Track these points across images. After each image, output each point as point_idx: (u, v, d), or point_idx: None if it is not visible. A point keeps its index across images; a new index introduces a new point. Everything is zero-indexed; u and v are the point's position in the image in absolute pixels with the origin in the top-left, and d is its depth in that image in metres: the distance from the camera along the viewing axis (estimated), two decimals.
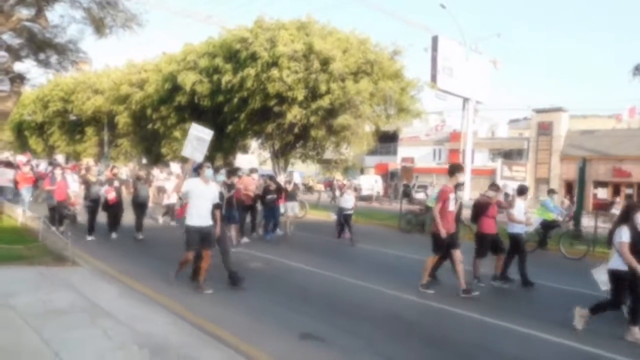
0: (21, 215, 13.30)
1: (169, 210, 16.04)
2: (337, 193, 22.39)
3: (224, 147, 27.21)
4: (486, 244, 9.12)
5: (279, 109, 22.04)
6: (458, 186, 8.32)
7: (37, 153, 48.25)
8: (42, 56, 15.63)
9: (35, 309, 5.97)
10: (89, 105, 36.01)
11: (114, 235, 12.36)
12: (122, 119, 32.79)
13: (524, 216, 9.48)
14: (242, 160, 18.28)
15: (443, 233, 7.96)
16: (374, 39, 23.39)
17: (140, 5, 14.16)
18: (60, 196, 12.67)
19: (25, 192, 16.31)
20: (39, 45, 15.18)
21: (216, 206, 8.04)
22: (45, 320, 5.59)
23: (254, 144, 30.48)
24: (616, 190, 33.83)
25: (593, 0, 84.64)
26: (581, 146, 36.30)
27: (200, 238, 7.54)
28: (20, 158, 23.86)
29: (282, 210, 14.59)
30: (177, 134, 27.20)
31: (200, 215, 7.53)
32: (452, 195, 8.09)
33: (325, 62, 21.27)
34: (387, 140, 40.01)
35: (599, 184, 35.24)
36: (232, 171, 12.01)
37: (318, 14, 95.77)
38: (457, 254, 8.18)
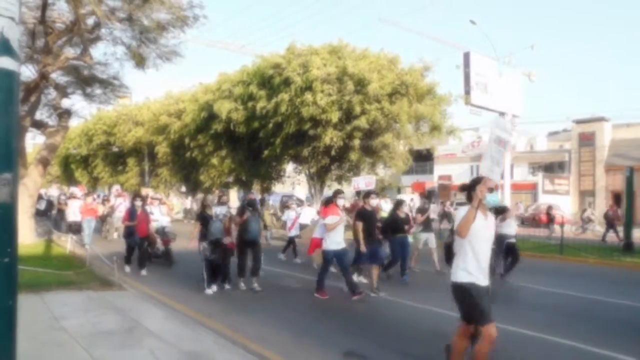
0: (69, 242, 13.80)
1: (290, 244, 14.15)
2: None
3: (260, 173, 27.62)
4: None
5: (314, 132, 22.30)
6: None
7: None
8: (87, 90, 16.39)
9: (86, 330, 6.23)
10: (130, 137, 37.16)
11: (226, 286, 9.56)
12: (162, 149, 33.74)
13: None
14: (361, 179, 16.74)
15: None
16: (403, 59, 23.48)
17: (177, 40, 14.60)
18: (142, 232, 11.27)
19: (87, 225, 15.54)
20: (85, 81, 15.93)
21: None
22: (95, 341, 5.82)
23: (289, 168, 30.76)
24: None
25: (632, 3, 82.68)
26: (627, 155, 35.20)
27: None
28: (75, 190, 24.28)
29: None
30: (214, 161, 27.83)
31: None
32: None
33: (359, 84, 21.47)
34: (422, 158, 39.82)
35: None
36: (338, 192, 9.38)
37: (347, 38, 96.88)
38: None
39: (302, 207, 17.02)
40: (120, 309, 7.47)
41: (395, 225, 10.60)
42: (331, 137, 21.89)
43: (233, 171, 29.09)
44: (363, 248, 9.00)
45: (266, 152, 24.43)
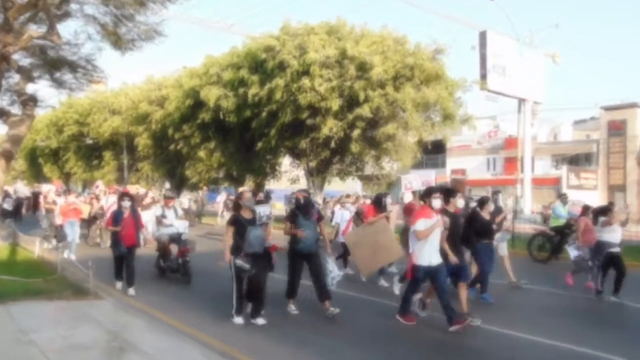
0: (38, 246, 13.72)
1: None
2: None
3: (253, 168, 27.57)
4: None
5: (313, 122, 22.30)
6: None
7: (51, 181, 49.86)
8: (56, 75, 16.19)
9: (57, 345, 6.19)
10: (106, 127, 37.00)
11: (260, 321, 7.80)
12: (142, 141, 33.70)
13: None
14: (415, 176, 16.05)
15: None
16: (411, 39, 23.40)
17: (158, 17, 14.44)
18: (129, 239, 10.03)
19: (70, 229, 14.17)
20: (53, 64, 15.74)
21: None
22: (67, 356, 5.82)
23: (285, 161, 30.74)
24: None
25: None
26: None
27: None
28: (49, 187, 23.75)
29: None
30: (201, 154, 27.81)
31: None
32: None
33: (361, 68, 21.43)
34: (433, 151, 39.75)
35: None
36: (431, 190, 8.01)
37: (348, 15, 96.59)
38: None
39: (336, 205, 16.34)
40: (96, 321, 7.43)
41: (481, 230, 9.41)
42: (331, 127, 21.88)
43: (223, 166, 29.08)
44: (454, 259, 7.82)
45: (260, 144, 24.40)
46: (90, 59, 15.87)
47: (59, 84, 16.84)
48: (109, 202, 15.99)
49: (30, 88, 16.01)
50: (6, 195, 25.12)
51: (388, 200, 10.94)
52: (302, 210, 8.32)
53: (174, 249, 11.35)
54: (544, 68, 31.52)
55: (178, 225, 11.68)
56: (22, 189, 31.26)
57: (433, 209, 7.54)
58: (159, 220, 11.70)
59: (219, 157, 27.64)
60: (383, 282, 10.76)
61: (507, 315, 8.69)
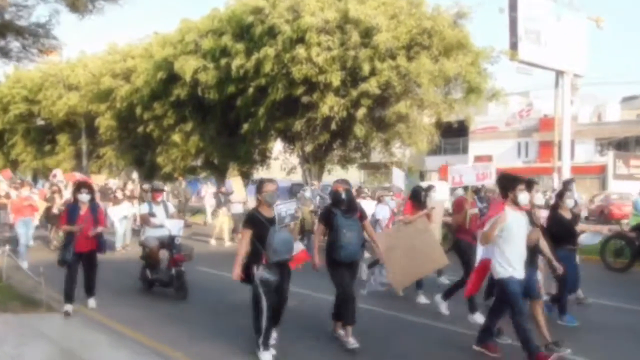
0: None
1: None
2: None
3: (238, 154, 27.54)
4: None
5: (309, 99, 22.28)
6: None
7: None
8: (1, 43, 16.15)
9: None
10: (61, 106, 36.92)
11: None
12: (104, 122, 33.63)
13: None
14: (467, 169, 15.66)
15: None
16: (429, 1, 23.29)
17: None
18: (80, 243, 9.05)
19: (23, 228, 13.86)
20: None
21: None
22: None
23: (277, 146, 30.75)
24: None
25: None
26: None
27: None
28: None
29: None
30: (175, 137, 27.77)
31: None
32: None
33: (367, 34, 21.38)
34: (453, 134, 39.73)
35: None
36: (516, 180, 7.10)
37: None
38: None
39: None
40: (48, 337, 7.49)
41: (561, 232, 8.72)
42: (331, 105, 21.84)
43: (201, 151, 29.04)
44: (559, 268, 7.59)
45: (246, 126, 24.37)
46: (42, 24, 15.81)
47: (4, 53, 16.80)
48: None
49: None
50: None
51: (432, 193, 10.61)
52: (342, 206, 7.47)
53: (164, 256, 10.73)
54: (587, 35, 31.42)
55: (170, 225, 10.71)
56: None
57: (518, 205, 6.78)
58: (145, 219, 10.98)
59: (197, 141, 27.59)
60: (422, 298, 10.05)
61: (588, 340, 8.01)
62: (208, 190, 28.75)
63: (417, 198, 10.06)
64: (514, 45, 27.52)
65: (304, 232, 15.53)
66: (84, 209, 9.19)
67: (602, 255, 14.48)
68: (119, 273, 12.60)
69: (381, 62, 21.14)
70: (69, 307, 8.79)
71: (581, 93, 37.99)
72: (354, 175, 40.43)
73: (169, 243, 10.50)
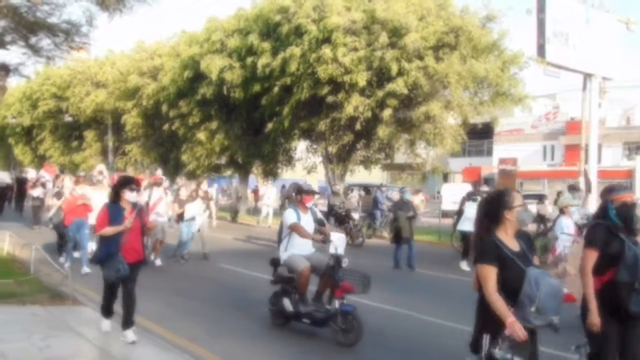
0: (7, 242, 13.93)
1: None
2: None
3: (262, 153, 27.62)
4: None
5: (334, 99, 22.29)
6: None
7: (24, 166, 50.43)
8: (32, 40, 16.35)
9: (30, 357, 6.34)
10: (88, 103, 37.34)
11: None
12: (131, 119, 33.97)
13: None
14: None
15: None
16: (457, 2, 23.20)
17: None
18: (127, 254, 7.18)
19: (77, 232, 12.39)
20: (29, 27, 15.89)
21: None
22: None
23: (301, 146, 30.80)
24: None
25: None
26: None
27: None
28: (43, 174, 23.76)
29: None
30: (200, 136, 27.91)
31: None
32: None
33: (394, 34, 21.32)
34: (478, 136, 39.54)
35: None
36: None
37: None
38: None
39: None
40: (75, 330, 7.57)
41: None
42: (356, 105, 21.82)
43: (226, 150, 29.16)
44: None
45: (270, 126, 24.48)
46: (73, 21, 15.99)
47: (35, 51, 17.01)
48: (153, 197, 13.75)
49: (1, 55, 16.21)
50: None
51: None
52: (630, 226, 5.09)
53: (325, 285, 8.12)
54: (616, 37, 31.03)
55: (335, 240, 7.85)
56: (2, 175, 31.61)
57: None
58: (299, 230, 8.11)
59: (222, 139, 27.72)
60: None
61: None
62: (267, 189, 27.44)
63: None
64: (541, 48, 27.18)
65: (401, 241, 14.55)
66: (128, 209, 7.40)
67: None
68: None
69: (409, 63, 21.06)
70: (106, 325, 7.50)
71: (609, 96, 37.49)
72: (377, 176, 40.39)
73: (332, 265, 7.76)
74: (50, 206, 15.29)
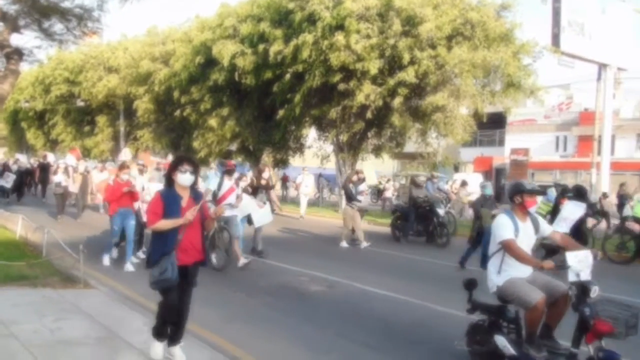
0: (20, 225, 14.08)
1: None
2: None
3: (273, 140, 27.65)
4: None
5: (346, 87, 22.24)
6: None
7: (36, 150, 50.75)
8: (45, 24, 16.38)
9: (41, 339, 6.41)
10: (101, 88, 37.45)
11: None
12: (142, 105, 34.08)
13: None
14: None
15: None
16: None
17: None
18: (183, 254, 5.84)
19: (121, 223, 11.68)
20: (42, 11, 15.92)
21: None
22: (53, 352, 6.02)
23: (311, 134, 30.79)
24: None
25: None
26: None
27: None
28: (70, 159, 23.64)
29: None
30: (212, 122, 27.92)
31: None
32: None
33: (408, 22, 21.21)
34: (490, 125, 39.32)
35: None
36: None
37: None
38: None
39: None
40: (86, 313, 7.64)
41: None
42: (368, 94, 21.76)
43: (237, 136, 29.18)
44: None
45: (281, 112, 24.47)
46: (85, 6, 15.99)
47: (48, 35, 17.04)
48: (224, 188, 12.00)
49: (14, 39, 16.25)
50: (4, 168, 25.54)
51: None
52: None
53: (558, 316, 6.09)
54: (632, 27, 30.76)
55: (577, 265, 5.62)
56: (22, 159, 31.70)
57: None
58: (515, 250, 5.99)
59: (233, 126, 27.71)
60: None
61: None
62: (305, 177, 26.54)
63: (581, 198, 8.25)
64: (555, 37, 27.01)
65: (476, 241, 12.87)
66: (185, 198, 5.92)
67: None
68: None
69: (421, 52, 20.94)
70: (158, 350, 5.98)
71: (624, 87, 37.25)
72: (388, 165, 40.32)
73: (578, 298, 5.56)
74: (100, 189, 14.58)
